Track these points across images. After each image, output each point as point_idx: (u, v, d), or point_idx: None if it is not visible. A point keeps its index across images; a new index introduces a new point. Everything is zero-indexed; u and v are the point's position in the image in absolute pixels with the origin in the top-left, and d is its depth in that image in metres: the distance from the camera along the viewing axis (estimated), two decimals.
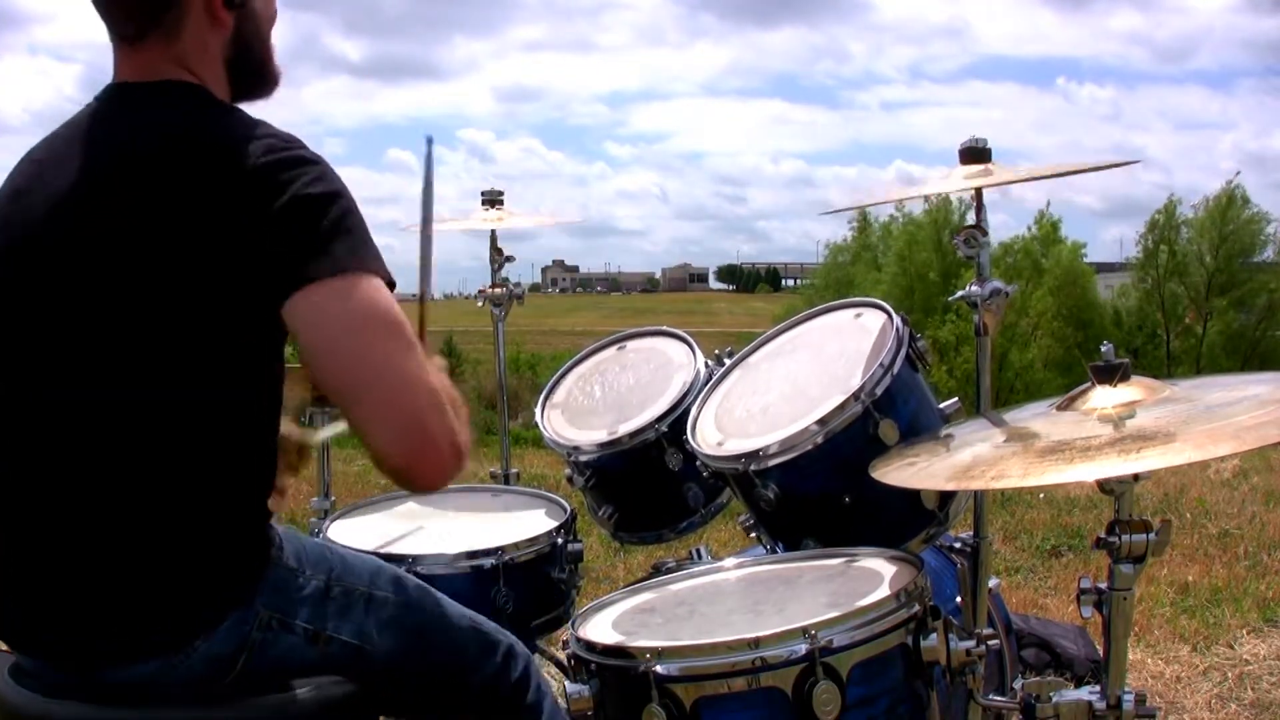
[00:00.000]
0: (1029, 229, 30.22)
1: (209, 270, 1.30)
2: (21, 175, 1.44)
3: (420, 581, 1.62)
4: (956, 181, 1.87)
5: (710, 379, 2.10)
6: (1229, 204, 29.20)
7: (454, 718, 1.63)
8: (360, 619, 1.48)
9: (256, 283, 1.28)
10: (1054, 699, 1.46)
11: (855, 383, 1.75)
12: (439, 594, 1.61)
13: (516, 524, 2.15)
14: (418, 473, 1.29)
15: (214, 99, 1.44)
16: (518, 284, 2.72)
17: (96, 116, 1.43)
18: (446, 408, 1.30)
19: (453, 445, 1.29)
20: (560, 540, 2.05)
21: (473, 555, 1.94)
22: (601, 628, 1.54)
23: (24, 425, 1.38)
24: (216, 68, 1.46)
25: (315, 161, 1.34)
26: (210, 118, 1.40)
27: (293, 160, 1.32)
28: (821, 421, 1.73)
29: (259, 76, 1.52)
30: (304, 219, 1.29)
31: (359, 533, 2.11)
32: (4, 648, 1.47)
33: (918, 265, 29.23)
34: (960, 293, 1.84)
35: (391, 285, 1.33)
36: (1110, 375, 1.49)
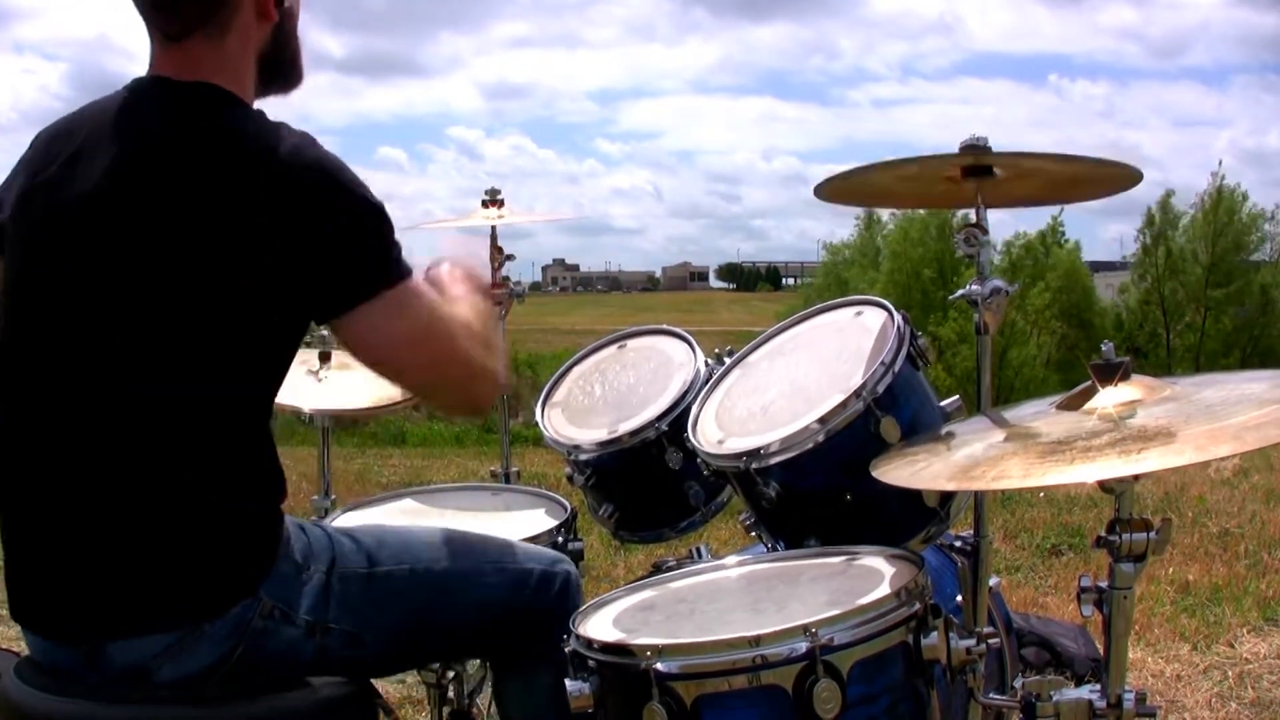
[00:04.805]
0: (1042, 235, 30.17)
1: (239, 269, 1.33)
2: (49, 163, 1.44)
3: (435, 531, 1.67)
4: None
5: (710, 378, 2.10)
6: (1219, 198, 29.06)
7: (494, 649, 1.69)
8: (360, 603, 1.50)
9: (301, 293, 1.37)
10: (1054, 698, 1.46)
11: (856, 381, 1.75)
12: (458, 537, 1.66)
13: (517, 522, 2.15)
14: (475, 415, 1.55)
15: (243, 103, 1.46)
16: (518, 282, 2.71)
17: (132, 108, 1.44)
18: (487, 370, 1.53)
19: (494, 394, 1.62)
20: (561, 539, 2.05)
21: None
22: (602, 625, 1.54)
23: (51, 409, 1.40)
24: (250, 63, 1.48)
25: (339, 168, 1.39)
26: (241, 119, 1.42)
27: (321, 167, 1.37)
28: (823, 420, 1.72)
29: (289, 71, 1.56)
30: (345, 235, 1.37)
31: None
32: (5, 645, 1.47)
33: (913, 262, 29.13)
34: (961, 291, 1.84)
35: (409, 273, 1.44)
36: (1110, 374, 1.49)
